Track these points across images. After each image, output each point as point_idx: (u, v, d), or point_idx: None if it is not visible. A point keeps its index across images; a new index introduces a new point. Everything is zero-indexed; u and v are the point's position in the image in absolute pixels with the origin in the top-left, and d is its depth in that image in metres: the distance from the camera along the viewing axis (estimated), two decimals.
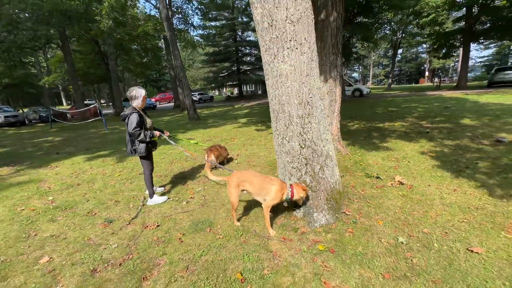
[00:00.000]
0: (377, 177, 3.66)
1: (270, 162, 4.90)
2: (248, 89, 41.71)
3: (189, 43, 23.96)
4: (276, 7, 2.49)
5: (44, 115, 18.70)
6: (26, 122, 18.51)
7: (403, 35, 27.78)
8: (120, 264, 2.27)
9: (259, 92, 39.37)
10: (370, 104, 13.85)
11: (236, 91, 43.12)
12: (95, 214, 3.34)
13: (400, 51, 41.96)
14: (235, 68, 31.54)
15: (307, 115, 2.67)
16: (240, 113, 16.14)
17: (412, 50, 45.60)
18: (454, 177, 3.56)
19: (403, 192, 3.17)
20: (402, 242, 2.22)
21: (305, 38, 2.57)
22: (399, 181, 3.46)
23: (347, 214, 2.68)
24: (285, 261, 2.09)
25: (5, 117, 16.69)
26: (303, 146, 2.71)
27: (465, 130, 6.23)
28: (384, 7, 13.19)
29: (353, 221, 2.58)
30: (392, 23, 22.77)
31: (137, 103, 3.28)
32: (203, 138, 8.08)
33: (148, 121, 3.45)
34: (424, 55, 43.98)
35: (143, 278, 2.07)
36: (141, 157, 3.42)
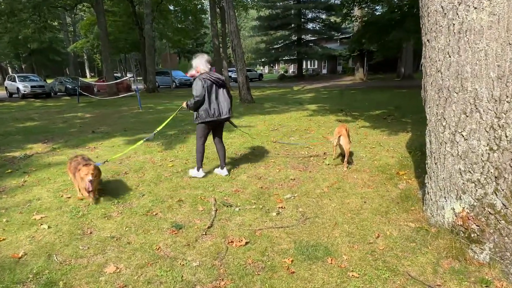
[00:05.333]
0: None
1: (381, 166, 4.42)
2: (308, 66, 40.73)
3: (240, 3, 24.26)
4: None
5: (70, 87, 20.81)
6: (52, 94, 20.80)
7: None
8: None
9: (323, 71, 38.20)
10: None
11: (292, 68, 42.58)
12: (157, 214, 3.29)
13: None
14: (295, 38, 30.96)
15: (511, 98, 2.12)
16: (304, 97, 15.69)
17: None
18: None
19: None
20: None
21: None
22: None
23: None
24: None
25: (31, 87, 18.99)
26: (495, 147, 2.18)
27: None
28: None
29: None
30: None
31: None
32: (266, 127, 7.86)
33: None
34: None
35: None
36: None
